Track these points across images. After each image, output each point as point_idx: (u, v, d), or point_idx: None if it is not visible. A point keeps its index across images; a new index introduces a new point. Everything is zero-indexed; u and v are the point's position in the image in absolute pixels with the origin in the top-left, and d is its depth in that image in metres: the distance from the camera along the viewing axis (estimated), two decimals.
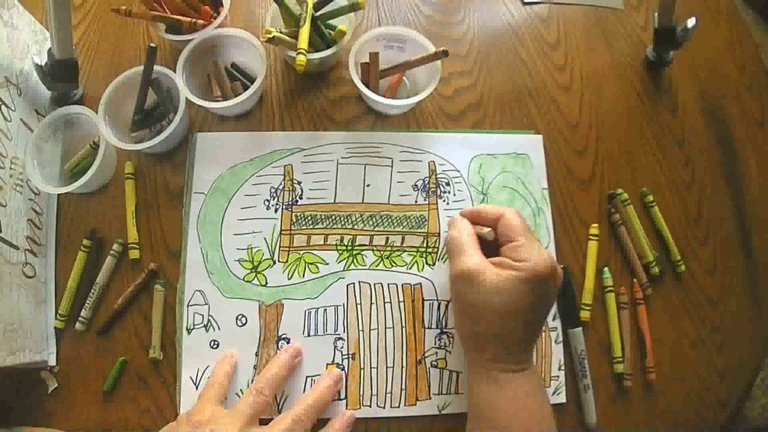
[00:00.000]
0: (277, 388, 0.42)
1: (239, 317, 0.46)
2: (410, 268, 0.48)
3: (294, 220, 0.49)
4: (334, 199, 0.49)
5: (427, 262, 0.48)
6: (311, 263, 0.48)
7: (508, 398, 0.38)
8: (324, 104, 0.53)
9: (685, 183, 0.54)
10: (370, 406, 0.44)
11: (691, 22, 0.52)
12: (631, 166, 0.54)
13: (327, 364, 0.45)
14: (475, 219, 0.43)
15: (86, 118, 0.47)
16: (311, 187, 0.50)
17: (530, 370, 0.39)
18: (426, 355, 0.46)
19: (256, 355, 0.45)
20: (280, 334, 0.46)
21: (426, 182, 0.50)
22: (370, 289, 0.47)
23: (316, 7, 0.48)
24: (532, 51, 0.57)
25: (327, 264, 0.48)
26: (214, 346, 0.45)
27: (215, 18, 0.49)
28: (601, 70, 0.57)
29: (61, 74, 0.48)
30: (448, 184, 0.51)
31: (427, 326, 0.47)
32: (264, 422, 0.40)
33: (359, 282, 0.47)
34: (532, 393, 0.39)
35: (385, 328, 0.46)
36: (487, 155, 0.52)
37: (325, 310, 0.47)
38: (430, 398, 0.45)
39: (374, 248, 0.48)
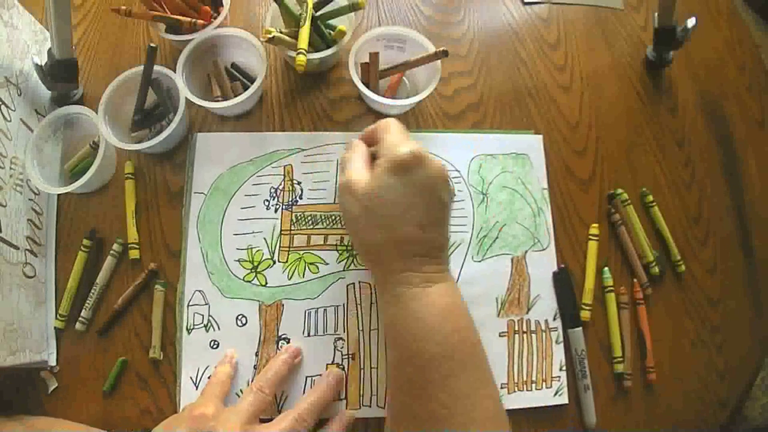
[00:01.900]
0: (277, 388, 0.42)
1: (239, 317, 0.46)
2: None
3: (294, 221, 0.49)
4: (334, 200, 0.49)
5: None
6: (311, 263, 0.48)
7: (414, 317, 0.35)
8: (324, 104, 0.53)
9: (685, 183, 0.54)
10: (369, 406, 0.44)
11: (691, 22, 0.52)
12: (631, 166, 0.54)
13: (327, 364, 0.45)
14: (369, 139, 0.42)
15: (86, 118, 0.47)
16: (311, 188, 0.50)
17: (440, 285, 0.36)
18: None
19: (256, 355, 0.45)
20: (280, 334, 0.46)
21: None
22: (370, 289, 0.47)
23: (316, 7, 0.48)
24: (532, 51, 0.57)
25: (327, 264, 0.48)
26: (214, 347, 0.45)
27: (215, 18, 0.49)
28: (601, 70, 0.57)
29: (61, 74, 0.48)
30: None
31: None
32: (264, 422, 0.40)
33: (359, 282, 0.47)
34: (444, 309, 0.36)
35: None
36: (486, 155, 0.52)
37: (325, 310, 0.46)
38: None
39: None
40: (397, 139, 0.38)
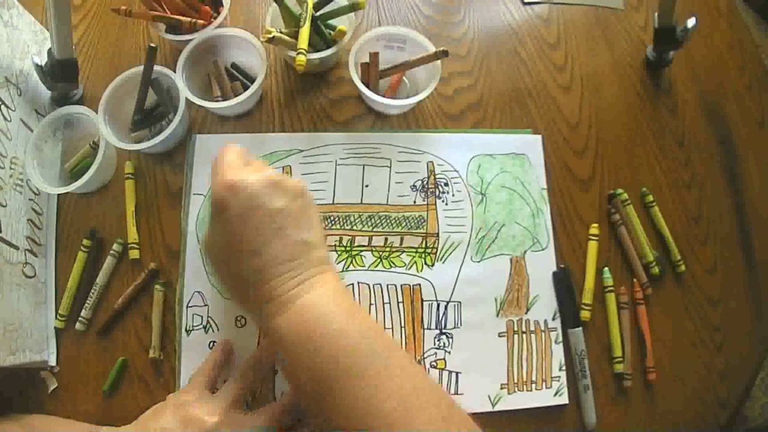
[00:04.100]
0: (262, 375, 0.42)
1: (238, 318, 0.46)
2: (409, 269, 0.48)
3: None
4: (333, 200, 0.49)
5: (426, 263, 0.48)
6: None
7: (283, 348, 0.33)
8: (324, 104, 0.53)
9: (685, 183, 0.54)
10: None
11: (691, 22, 0.52)
12: (631, 166, 0.54)
13: None
14: None
15: (86, 118, 0.47)
16: (310, 188, 0.49)
17: (300, 302, 0.33)
18: (425, 355, 0.46)
19: None
20: None
21: (425, 183, 0.50)
22: (369, 290, 0.47)
23: (316, 7, 0.48)
24: (532, 51, 0.57)
25: None
26: None
27: (215, 18, 0.49)
28: (601, 70, 0.57)
29: (61, 74, 0.48)
30: (446, 184, 0.51)
31: (426, 327, 0.47)
32: None
33: (358, 283, 0.47)
34: (305, 329, 0.33)
35: (384, 328, 0.46)
36: (485, 155, 0.52)
37: None
38: None
39: (373, 249, 0.48)
40: (215, 178, 0.36)
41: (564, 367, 0.47)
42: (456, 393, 0.45)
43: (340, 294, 0.35)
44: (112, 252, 0.47)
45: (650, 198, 0.52)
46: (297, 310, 0.33)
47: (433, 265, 0.48)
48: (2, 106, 0.45)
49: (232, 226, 0.34)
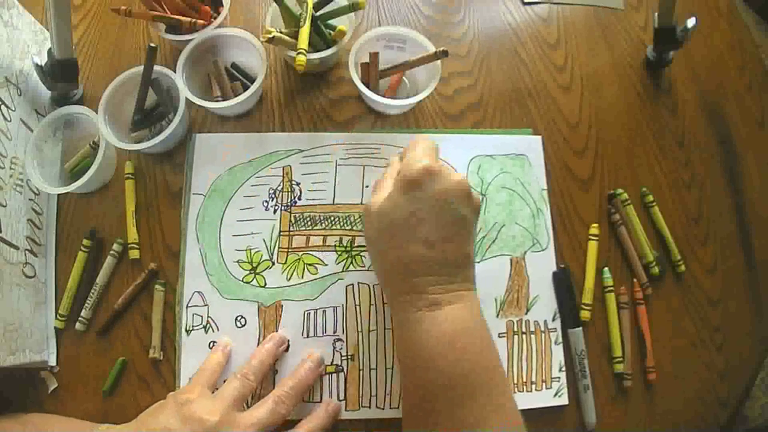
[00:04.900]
0: (262, 375, 0.42)
1: (238, 318, 0.46)
2: None
3: (293, 221, 0.49)
4: (333, 200, 0.49)
5: None
6: (310, 264, 0.48)
7: (418, 344, 0.34)
8: (324, 104, 0.53)
9: (685, 183, 0.54)
10: (369, 407, 0.44)
11: (691, 22, 0.52)
12: (631, 166, 0.54)
13: (326, 366, 0.45)
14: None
15: (86, 118, 0.47)
16: (310, 188, 0.50)
17: (452, 308, 0.35)
18: None
19: None
20: None
21: None
22: (369, 290, 0.47)
23: (316, 7, 0.48)
24: (532, 51, 0.57)
25: (326, 265, 0.48)
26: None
27: (215, 18, 0.49)
28: (601, 70, 0.57)
29: (61, 74, 0.48)
30: None
31: None
32: None
33: (358, 283, 0.47)
34: (451, 334, 0.34)
35: (384, 329, 0.46)
36: (485, 156, 0.52)
37: (324, 311, 0.46)
38: None
39: None
40: (416, 156, 0.37)
41: (564, 368, 0.47)
42: None
43: (481, 316, 0.37)
44: (112, 252, 0.47)
45: (650, 198, 0.52)
46: (445, 315, 0.35)
47: None
48: (2, 106, 0.45)
49: (417, 208, 0.36)
